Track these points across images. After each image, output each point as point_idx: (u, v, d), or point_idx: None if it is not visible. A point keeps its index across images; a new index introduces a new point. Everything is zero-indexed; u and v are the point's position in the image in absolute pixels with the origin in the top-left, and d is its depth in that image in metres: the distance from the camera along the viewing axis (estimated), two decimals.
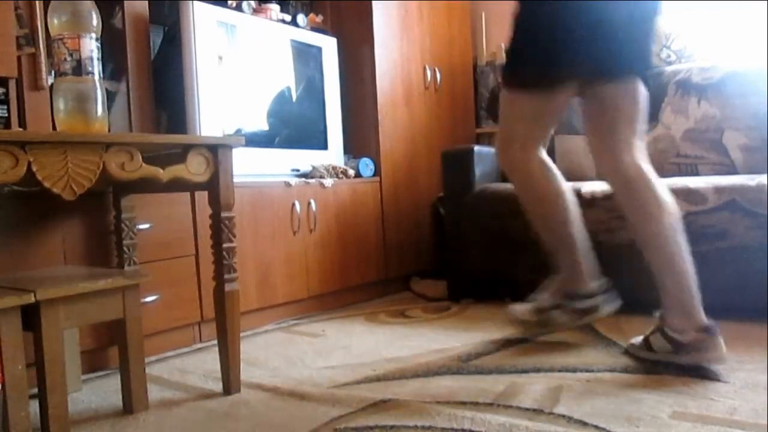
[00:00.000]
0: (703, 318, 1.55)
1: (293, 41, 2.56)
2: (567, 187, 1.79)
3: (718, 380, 1.47)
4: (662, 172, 2.55)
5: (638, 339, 1.70)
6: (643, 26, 1.61)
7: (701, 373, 1.51)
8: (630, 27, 1.57)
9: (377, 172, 2.77)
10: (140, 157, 1.36)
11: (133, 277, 1.44)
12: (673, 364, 1.56)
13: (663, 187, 1.62)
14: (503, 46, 3.39)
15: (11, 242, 1.59)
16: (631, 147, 1.63)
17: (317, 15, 2.78)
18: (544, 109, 1.69)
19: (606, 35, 1.54)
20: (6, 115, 1.69)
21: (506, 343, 1.90)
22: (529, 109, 1.69)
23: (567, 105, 1.72)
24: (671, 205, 1.59)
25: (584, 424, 1.26)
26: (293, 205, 2.36)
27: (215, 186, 1.53)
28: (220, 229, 1.54)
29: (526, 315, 1.89)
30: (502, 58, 3.40)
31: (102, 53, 1.43)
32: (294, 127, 2.57)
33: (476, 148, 2.60)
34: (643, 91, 1.65)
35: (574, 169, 2.73)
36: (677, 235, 1.58)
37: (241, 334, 1.67)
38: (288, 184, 2.35)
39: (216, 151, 1.52)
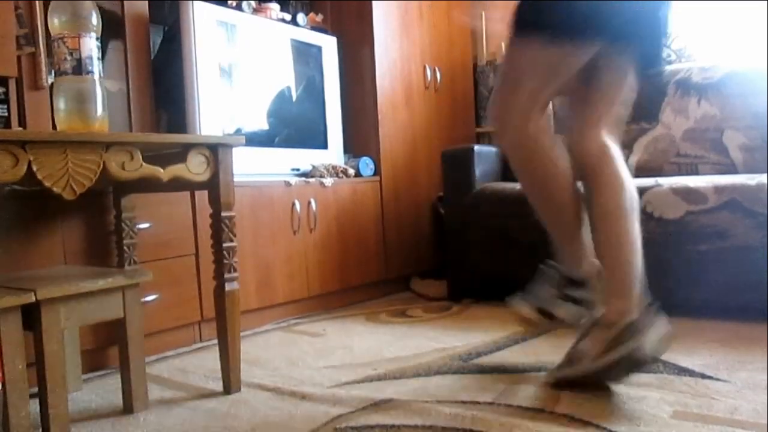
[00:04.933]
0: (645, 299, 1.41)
1: (293, 41, 2.56)
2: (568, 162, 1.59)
3: (719, 380, 1.47)
4: (662, 172, 2.56)
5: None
6: (663, 23, 1.57)
7: (701, 372, 1.51)
8: (656, 17, 1.52)
9: (377, 172, 2.77)
10: (140, 157, 1.36)
11: (133, 276, 1.44)
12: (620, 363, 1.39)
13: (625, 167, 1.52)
14: (503, 44, 3.40)
15: (11, 242, 1.59)
16: (611, 127, 1.53)
17: (317, 14, 2.78)
18: (563, 67, 1.46)
19: (644, 10, 1.46)
20: (6, 114, 1.69)
21: (507, 342, 1.90)
22: (544, 63, 1.45)
23: (579, 70, 1.49)
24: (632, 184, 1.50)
25: (585, 423, 1.26)
26: (293, 204, 2.36)
27: (215, 185, 1.53)
28: (220, 229, 1.54)
29: (530, 313, 1.69)
30: (502, 57, 3.41)
31: (102, 52, 1.43)
32: (294, 126, 2.57)
33: (476, 147, 2.60)
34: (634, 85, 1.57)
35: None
36: (635, 213, 1.46)
37: (242, 334, 1.67)
38: (288, 184, 2.35)
39: (216, 151, 1.52)
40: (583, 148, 1.52)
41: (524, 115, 1.47)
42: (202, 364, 1.82)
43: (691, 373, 1.52)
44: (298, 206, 2.37)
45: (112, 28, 2.01)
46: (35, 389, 1.28)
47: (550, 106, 1.59)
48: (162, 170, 1.40)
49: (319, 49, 2.66)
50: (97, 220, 1.78)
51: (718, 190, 2.01)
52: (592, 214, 1.51)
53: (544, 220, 1.59)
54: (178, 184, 1.50)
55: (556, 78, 1.47)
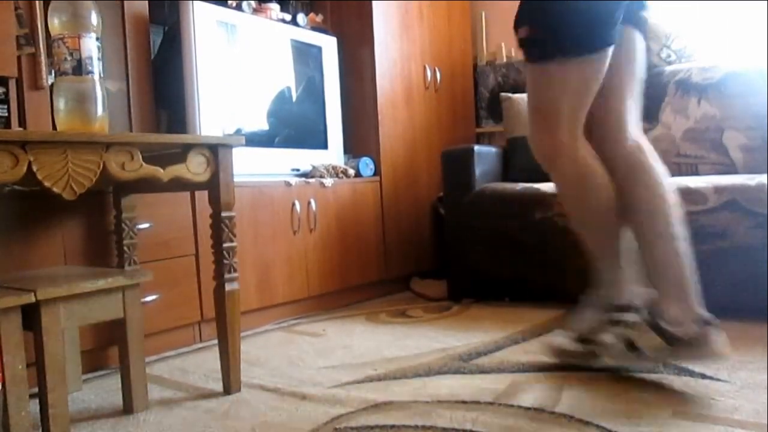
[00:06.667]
0: (703, 310, 1.42)
1: (293, 41, 2.56)
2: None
3: (719, 380, 1.47)
4: None
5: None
6: None
7: (701, 371, 1.51)
8: None
9: (377, 172, 2.77)
10: (140, 157, 1.36)
11: (133, 276, 1.44)
12: (668, 362, 1.47)
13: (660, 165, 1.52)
14: (503, 44, 3.39)
15: (11, 242, 1.59)
16: (633, 118, 1.49)
17: (317, 14, 2.78)
18: (594, 76, 1.43)
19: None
20: (6, 114, 1.69)
21: (507, 342, 1.89)
22: (577, 79, 1.42)
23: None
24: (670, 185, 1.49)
25: (585, 423, 1.26)
26: (293, 204, 2.36)
27: (215, 186, 1.53)
28: (220, 229, 1.54)
29: (569, 344, 1.61)
30: (502, 56, 3.41)
31: (102, 52, 1.43)
32: (294, 126, 2.57)
33: (476, 148, 2.61)
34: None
35: None
36: (679, 217, 1.45)
37: (242, 334, 1.67)
38: (288, 184, 2.35)
39: (216, 151, 1.52)
40: (617, 155, 1.49)
41: (572, 141, 1.46)
42: (202, 364, 1.82)
43: (691, 373, 1.52)
44: (298, 206, 2.37)
45: (112, 28, 2.01)
46: (35, 389, 1.28)
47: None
48: (162, 170, 1.40)
49: (319, 49, 2.66)
50: (97, 220, 1.78)
51: (718, 190, 2.01)
52: (632, 216, 1.48)
53: (594, 242, 1.55)
54: (178, 185, 1.50)
55: (589, 93, 1.45)
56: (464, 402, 1.41)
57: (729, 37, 2.80)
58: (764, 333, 1.82)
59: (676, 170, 2.55)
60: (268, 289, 2.26)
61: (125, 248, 1.77)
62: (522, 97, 2.97)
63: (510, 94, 3.03)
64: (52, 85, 1.74)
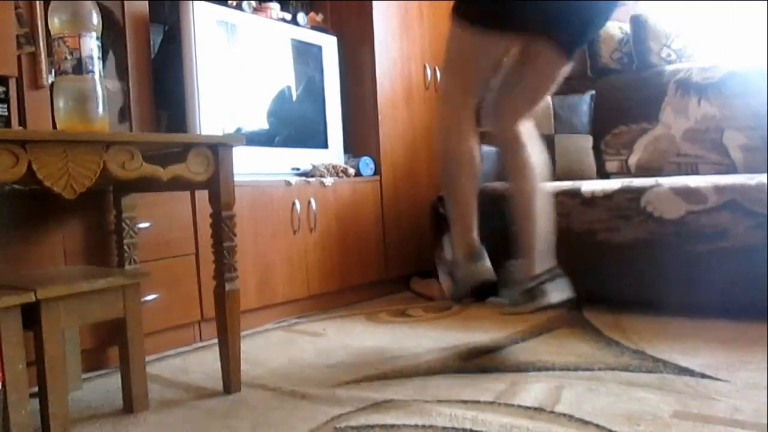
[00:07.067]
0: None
1: (293, 40, 2.56)
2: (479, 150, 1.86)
3: (719, 380, 1.47)
4: (662, 172, 2.56)
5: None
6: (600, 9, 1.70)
7: (701, 372, 1.51)
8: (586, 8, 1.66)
9: (377, 171, 2.77)
10: (140, 157, 1.36)
11: (133, 276, 1.44)
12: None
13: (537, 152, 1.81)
14: None
15: (11, 242, 1.58)
16: (529, 113, 1.80)
17: (317, 14, 2.78)
18: (490, 51, 1.71)
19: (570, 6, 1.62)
20: (6, 113, 1.69)
21: (507, 342, 1.90)
22: (476, 46, 1.71)
23: (507, 54, 1.76)
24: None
25: (585, 423, 1.26)
26: (293, 204, 2.36)
27: (215, 185, 1.53)
28: (220, 228, 1.54)
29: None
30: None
31: (102, 51, 1.43)
32: (294, 126, 2.56)
33: None
34: (568, 66, 1.74)
35: (575, 168, 2.73)
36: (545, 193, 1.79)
37: (242, 334, 1.67)
38: (288, 183, 2.35)
39: (216, 150, 1.52)
40: (502, 138, 1.83)
41: (460, 92, 1.77)
42: (202, 364, 1.82)
43: (691, 373, 1.52)
44: (298, 206, 2.37)
45: (112, 28, 2.01)
46: (35, 389, 1.28)
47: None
48: (162, 170, 1.39)
49: (319, 48, 2.66)
50: (97, 220, 1.78)
51: (718, 190, 2.01)
52: (511, 189, 1.81)
53: (457, 202, 1.87)
54: (178, 184, 1.50)
55: (487, 60, 1.72)
56: (464, 401, 1.41)
57: (729, 37, 2.80)
58: (764, 333, 1.82)
59: (676, 170, 2.56)
60: (268, 289, 2.26)
61: (125, 248, 1.77)
62: None
63: None
64: (52, 84, 1.74)
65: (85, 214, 1.74)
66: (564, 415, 1.30)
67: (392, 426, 1.29)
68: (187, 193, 1.99)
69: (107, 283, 1.37)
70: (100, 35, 1.40)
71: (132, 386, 1.44)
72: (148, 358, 1.70)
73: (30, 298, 1.23)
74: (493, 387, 1.50)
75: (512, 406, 1.37)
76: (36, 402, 1.30)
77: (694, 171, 2.52)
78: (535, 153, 1.80)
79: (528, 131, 1.82)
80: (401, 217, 2.88)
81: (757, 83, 2.45)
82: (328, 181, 2.51)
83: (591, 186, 2.24)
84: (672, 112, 2.61)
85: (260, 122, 2.43)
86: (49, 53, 1.71)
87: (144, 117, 2.11)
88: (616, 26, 2.93)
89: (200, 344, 2.05)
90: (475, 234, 1.82)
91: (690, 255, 2.03)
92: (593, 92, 2.88)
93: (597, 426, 1.24)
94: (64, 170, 1.24)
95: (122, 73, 2.06)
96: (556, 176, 2.66)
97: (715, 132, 2.50)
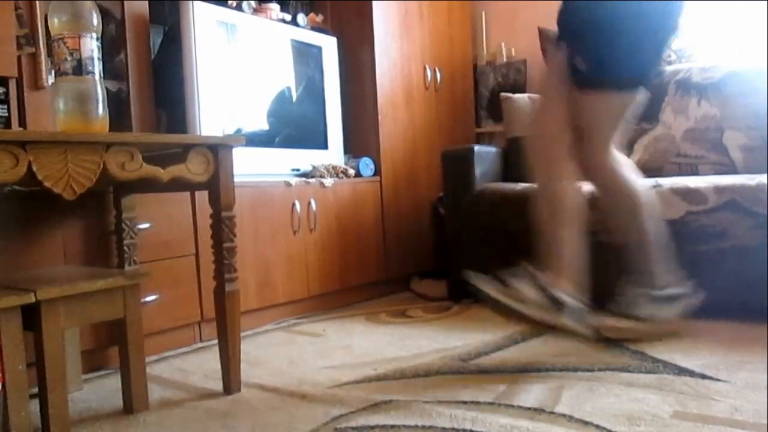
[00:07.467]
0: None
1: (293, 41, 2.56)
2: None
3: (719, 380, 1.47)
4: (662, 172, 2.56)
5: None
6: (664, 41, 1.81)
7: (701, 372, 1.51)
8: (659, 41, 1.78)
9: (377, 172, 2.77)
10: (140, 157, 1.36)
11: (133, 276, 1.44)
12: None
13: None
14: (503, 44, 3.39)
15: (11, 242, 1.59)
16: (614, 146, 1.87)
17: (317, 14, 2.78)
18: (626, 108, 1.80)
19: (653, 46, 1.75)
20: (6, 114, 1.69)
21: (507, 342, 1.90)
22: (616, 106, 1.79)
23: None
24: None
25: (585, 423, 1.26)
26: (293, 204, 2.36)
27: (215, 185, 1.53)
28: (220, 229, 1.54)
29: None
30: (502, 56, 3.40)
31: (102, 52, 1.43)
32: (294, 126, 2.57)
33: (476, 148, 2.60)
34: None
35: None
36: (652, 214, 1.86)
37: (242, 334, 1.67)
38: (288, 184, 2.35)
39: (216, 151, 1.52)
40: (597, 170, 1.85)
41: (606, 153, 1.83)
42: (202, 364, 1.82)
43: (691, 373, 1.52)
44: (298, 206, 2.37)
45: (112, 28, 2.02)
46: (35, 389, 1.28)
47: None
48: (162, 170, 1.40)
49: (319, 49, 2.66)
50: (97, 220, 1.78)
51: (718, 190, 2.01)
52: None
53: (630, 234, 1.87)
54: (178, 185, 1.50)
55: (622, 117, 1.81)
56: (464, 402, 1.41)
57: (729, 37, 2.80)
58: (764, 333, 1.82)
59: (676, 170, 2.55)
60: (268, 289, 2.26)
61: (125, 248, 1.77)
62: (521, 97, 2.97)
63: (510, 94, 3.03)
64: (52, 84, 1.74)
65: (85, 214, 1.74)
66: (564, 415, 1.30)
67: (392, 426, 1.29)
68: (187, 194, 1.99)
69: (107, 284, 1.37)
70: (100, 36, 1.40)
71: (132, 387, 1.44)
72: (148, 359, 1.70)
73: (30, 298, 1.23)
74: (493, 387, 1.50)
75: (512, 406, 1.37)
76: (36, 402, 1.30)
77: (694, 171, 2.52)
78: (634, 176, 1.88)
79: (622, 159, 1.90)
80: (401, 217, 2.88)
81: (757, 83, 2.45)
82: (328, 181, 2.51)
83: (591, 186, 2.24)
84: (672, 112, 2.61)
85: (260, 123, 2.43)
86: (49, 54, 1.71)
87: (144, 117, 2.11)
88: None
89: (200, 345, 2.05)
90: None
91: (690, 255, 2.02)
92: None
93: (597, 426, 1.24)
94: (64, 171, 1.24)
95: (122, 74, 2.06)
96: None
97: (715, 132, 2.50)
